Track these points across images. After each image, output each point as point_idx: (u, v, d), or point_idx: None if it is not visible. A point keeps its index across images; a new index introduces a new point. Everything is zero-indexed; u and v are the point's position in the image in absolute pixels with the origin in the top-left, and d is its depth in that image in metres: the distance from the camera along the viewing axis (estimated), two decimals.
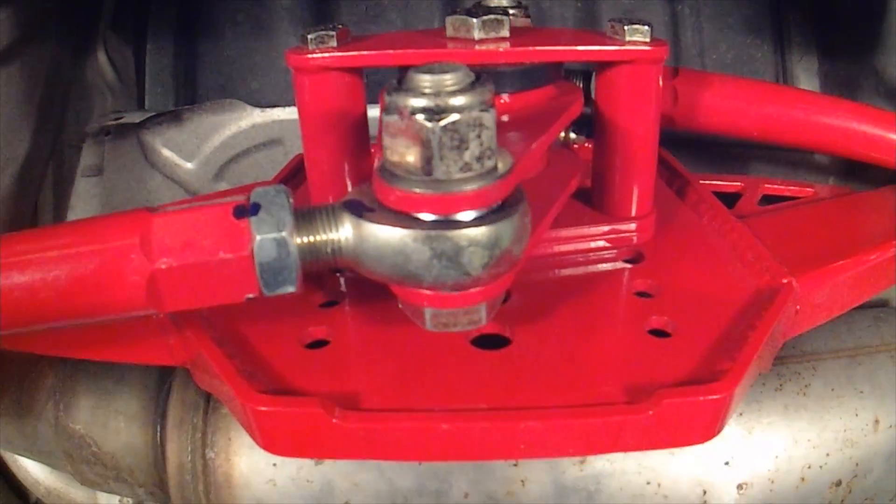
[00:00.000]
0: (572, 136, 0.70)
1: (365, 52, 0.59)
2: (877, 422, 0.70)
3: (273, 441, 0.50)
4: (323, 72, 0.60)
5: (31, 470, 0.88)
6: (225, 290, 0.47)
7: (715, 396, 0.48)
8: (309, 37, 0.59)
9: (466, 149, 0.43)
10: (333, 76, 0.60)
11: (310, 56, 0.59)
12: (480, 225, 0.44)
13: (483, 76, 0.44)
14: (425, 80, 0.43)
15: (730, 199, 0.86)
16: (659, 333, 0.56)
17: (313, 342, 0.58)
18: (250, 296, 0.48)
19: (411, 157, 0.43)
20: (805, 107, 0.86)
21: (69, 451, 0.72)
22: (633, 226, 0.67)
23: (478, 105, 0.42)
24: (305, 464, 0.64)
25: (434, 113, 0.42)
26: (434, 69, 0.43)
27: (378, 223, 0.45)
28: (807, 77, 1.13)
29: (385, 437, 0.49)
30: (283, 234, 0.46)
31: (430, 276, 0.45)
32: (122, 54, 1.11)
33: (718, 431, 0.50)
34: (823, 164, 1.05)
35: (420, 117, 0.42)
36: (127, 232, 0.47)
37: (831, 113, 0.85)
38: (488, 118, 0.43)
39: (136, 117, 1.02)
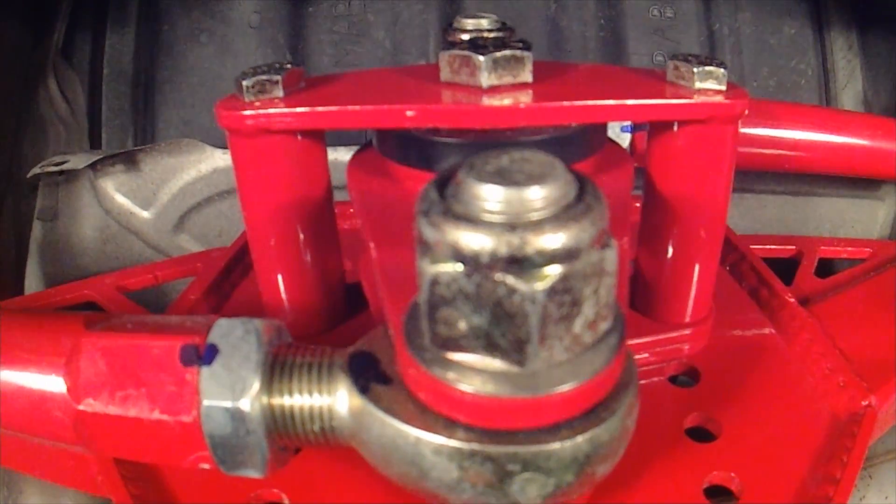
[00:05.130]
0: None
1: (321, 109, 0.38)
2: None
3: None
4: (265, 134, 0.40)
5: None
6: (168, 454, 0.34)
7: None
8: (244, 84, 0.38)
9: (579, 314, 0.23)
10: (280, 140, 0.40)
11: (246, 113, 0.39)
12: (550, 440, 0.25)
13: (588, 182, 0.24)
14: (498, 200, 0.23)
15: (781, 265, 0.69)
16: (720, 492, 0.41)
17: None
18: (205, 466, 0.33)
19: (482, 336, 0.24)
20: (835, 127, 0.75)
21: None
22: (686, 333, 0.48)
23: (595, 240, 0.23)
24: None
25: (530, 265, 0.22)
26: (509, 173, 0.23)
27: (386, 411, 0.27)
28: (852, 103, 0.95)
29: None
30: (241, 403, 0.30)
31: (458, 500, 0.27)
32: (72, 85, 0.93)
33: None
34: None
35: (502, 276, 0.22)
36: (55, 349, 0.36)
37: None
38: (610, 258, 0.23)
39: (81, 161, 0.83)
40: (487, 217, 0.23)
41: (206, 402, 0.31)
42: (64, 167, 0.83)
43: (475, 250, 0.22)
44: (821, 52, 0.95)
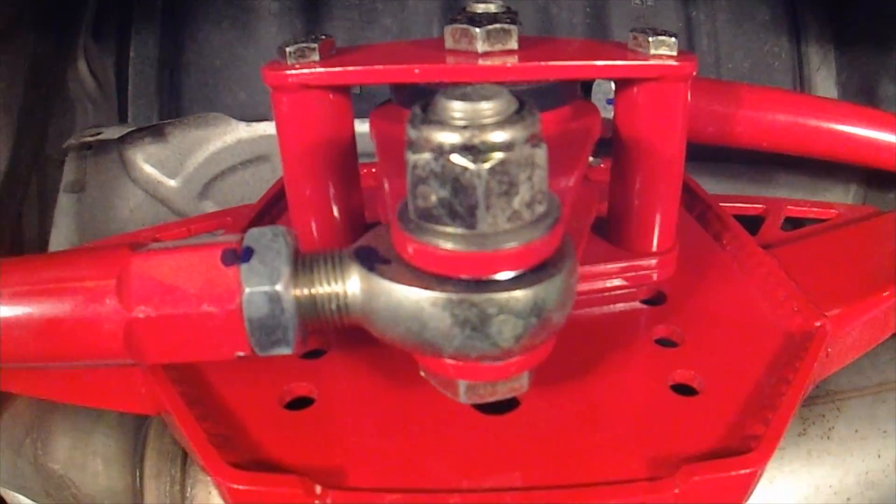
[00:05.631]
0: (589, 158, 0.62)
1: (351, 68, 0.50)
2: None
3: None
4: (304, 90, 0.51)
5: (22, 500, 0.79)
6: (212, 345, 0.41)
7: (747, 470, 0.43)
8: (287, 50, 0.50)
9: (516, 194, 0.34)
10: (316, 95, 0.52)
11: (288, 72, 0.50)
12: (515, 288, 0.36)
13: (527, 102, 0.36)
14: (459, 110, 0.34)
15: (749, 221, 0.79)
16: (683, 389, 0.50)
17: (295, 400, 0.50)
18: (241, 354, 0.42)
19: (446, 205, 0.35)
20: (815, 113, 0.82)
21: (49, 491, 0.68)
22: (653, 262, 0.59)
23: (527, 139, 0.34)
24: None
25: (477, 152, 0.33)
26: (469, 95, 0.35)
27: (391, 279, 0.38)
28: (825, 86, 1.05)
29: None
30: (277, 287, 0.39)
31: (451, 346, 0.37)
32: (101, 64, 1.03)
33: (747, 500, 0.45)
34: (844, 170, 0.97)
35: (458, 157, 0.33)
36: (104, 272, 0.41)
37: (840, 119, 0.82)
38: (540, 155, 0.34)
39: (115, 132, 0.94)
40: (451, 122, 0.34)
41: (247, 290, 0.39)
42: (99, 138, 0.94)
43: (441, 142, 0.34)
44: (794, 36, 1.05)
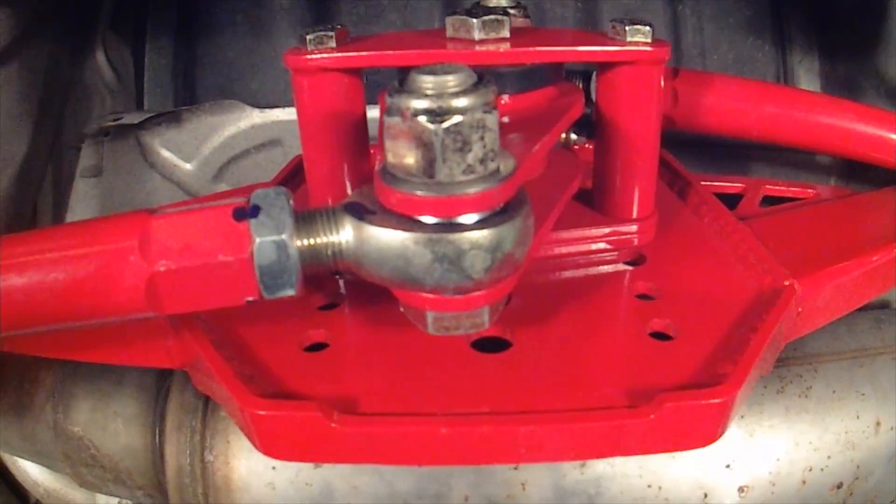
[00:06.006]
0: (573, 136, 0.69)
1: (364, 53, 0.58)
2: (878, 424, 0.69)
3: (271, 445, 0.50)
4: (321, 73, 0.59)
5: (30, 471, 0.87)
6: (225, 292, 0.47)
7: (716, 400, 0.47)
8: (307, 37, 0.58)
9: (469, 151, 0.42)
10: (332, 77, 0.60)
11: (308, 57, 0.58)
12: (483, 228, 0.43)
13: (486, 77, 0.43)
14: (427, 82, 0.42)
15: (731, 201, 0.86)
16: (660, 336, 0.56)
17: (312, 345, 0.57)
18: (250, 299, 0.48)
19: (413, 159, 0.42)
20: (805, 106, 0.85)
21: (68, 454, 0.71)
22: (634, 227, 0.66)
23: (480, 106, 0.42)
24: (304, 467, 0.64)
25: (436, 115, 0.41)
26: (436, 70, 0.43)
27: (379, 226, 0.45)
28: (808, 78, 1.11)
29: (384, 441, 0.48)
30: (283, 236, 0.45)
31: (432, 279, 0.44)
32: (120, 55, 1.10)
33: (720, 435, 0.50)
34: (825, 164, 1.03)
35: (422, 119, 0.41)
36: (126, 234, 0.46)
37: (832, 113, 0.85)
38: (491, 120, 0.42)
39: (134, 118, 1.01)
40: (419, 91, 0.42)
41: (258, 240, 0.45)
42: (120, 122, 1.01)
43: (409, 106, 0.41)
44: (778, 30, 1.11)
